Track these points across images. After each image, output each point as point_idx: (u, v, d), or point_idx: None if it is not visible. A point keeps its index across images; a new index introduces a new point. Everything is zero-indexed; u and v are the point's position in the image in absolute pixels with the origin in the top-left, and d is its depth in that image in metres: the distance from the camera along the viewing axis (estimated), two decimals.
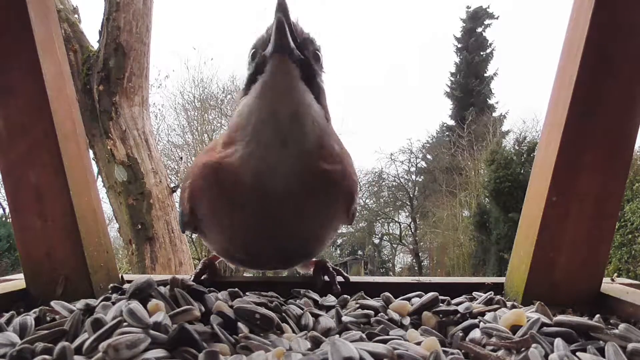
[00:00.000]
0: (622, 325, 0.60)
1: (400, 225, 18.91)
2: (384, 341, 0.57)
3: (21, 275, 0.87)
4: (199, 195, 0.83)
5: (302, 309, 0.72)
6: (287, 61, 0.70)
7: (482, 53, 19.45)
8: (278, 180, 0.75)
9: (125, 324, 0.55)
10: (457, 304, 0.74)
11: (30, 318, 0.62)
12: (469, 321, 0.66)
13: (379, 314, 0.71)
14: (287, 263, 0.96)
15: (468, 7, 19.56)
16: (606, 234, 0.80)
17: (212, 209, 0.84)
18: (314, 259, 1.01)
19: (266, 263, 0.95)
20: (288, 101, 0.72)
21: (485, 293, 0.81)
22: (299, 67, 0.72)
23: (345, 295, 0.80)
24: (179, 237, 3.85)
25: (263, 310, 0.64)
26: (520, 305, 0.75)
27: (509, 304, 0.76)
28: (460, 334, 0.62)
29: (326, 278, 0.91)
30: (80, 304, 0.66)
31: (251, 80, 0.75)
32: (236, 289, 0.78)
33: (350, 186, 0.85)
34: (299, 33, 0.75)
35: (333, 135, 0.82)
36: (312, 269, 0.99)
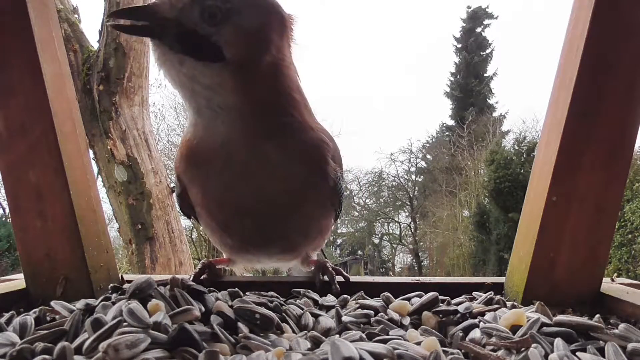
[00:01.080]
0: (622, 325, 0.60)
1: (400, 225, 18.92)
2: (384, 341, 0.57)
3: (21, 275, 0.87)
4: (180, 171, 0.89)
5: (302, 309, 0.72)
6: (157, 45, 0.77)
7: (481, 53, 19.45)
8: (225, 134, 0.80)
9: (125, 324, 0.55)
10: (457, 304, 0.74)
11: (30, 318, 0.62)
12: (469, 321, 0.66)
13: (379, 314, 0.71)
14: (273, 242, 0.94)
15: (468, 7, 19.58)
16: (606, 234, 0.80)
17: (189, 181, 0.89)
18: (314, 258, 1.01)
19: (252, 242, 0.93)
20: (176, 75, 0.78)
21: (485, 293, 0.81)
22: (168, 40, 0.76)
23: (345, 295, 0.80)
24: (179, 237, 3.85)
25: (263, 310, 0.64)
26: (520, 305, 0.75)
27: (509, 304, 0.76)
28: (460, 334, 0.62)
29: (325, 278, 0.91)
30: (80, 304, 0.66)
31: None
32: (236, 289, 0.78)
33: (316, 141, 0.85)
34: (166, 4, 0.75)
35: (280, 86, 0.81)
36: (311, 267, 0.99)
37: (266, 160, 0.80)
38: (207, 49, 0.76)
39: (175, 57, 0.76)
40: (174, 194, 0.99)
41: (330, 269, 0.92)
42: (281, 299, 0.79)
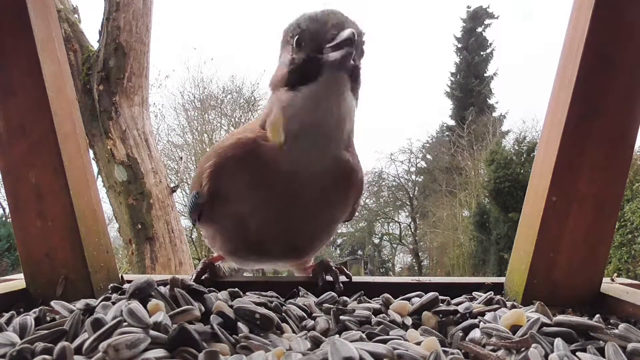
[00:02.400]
0: (622, 325, 0.60)
1: (400, 225, 18.91)
2: (384, 341, 0.57)
3: (21, 275, 0.87)
4: (229, 167, 0.83)
5: (302, 309, 0.72)
6: (342, 75, 0.74)
7: (482, 53, 19.43)
8: (313, 171, 0.80)
9: (125, 324, 0.55)
10: (457, 304, 0.74)
11: (30, 318, 0.62)
12: (469, 321, 0.66)
13: (379, 314, 0.71)
14: (289, 254, 0.96)
15: (468, 7, 19.57)
16: (606, 234, 0.80)
17: (237, 192, 0.84)
18: (312, 263, 1.01)
19: (269, 256, 0.95)
20: (337, 112, 0.77)
21: (485, 293, 0.81)
22: (349, 75, 0.75)
23: (345, 298, 0.80)
24: (179, 237, 3.85)
25: (263, 310, 0.64)
26: (520, 305, 0.75)
27: (509, 304, 0.76)
28: (460, 334, 0.62)
29: (329, 277, 0.91)
30: (80, 304, 0.66)
31: (297, 77, 0.76)
32: (236, 289, 0.78)
33: (361, 180, 0.90)
34: (356, 42, 0.72)
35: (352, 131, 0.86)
36: (309, 272, 1.00)
37: (331, 201, 0.85)
38: (357, 86, 0.79)
39: (349, 92, 0.77)
40: (194, 192, 0.93)
41: (334, 268, 0.92)
42: (281, 299, 0.79)
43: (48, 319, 0.66)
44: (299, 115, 0.77)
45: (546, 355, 0.53)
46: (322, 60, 0.72)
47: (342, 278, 0.91)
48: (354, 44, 0.69)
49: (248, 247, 0.92)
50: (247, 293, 0.78)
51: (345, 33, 0.69)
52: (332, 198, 0.85)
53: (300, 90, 0.75)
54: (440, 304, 0.73)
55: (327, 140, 0.79)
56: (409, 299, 0.76)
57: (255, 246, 0.91)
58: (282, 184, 0.81)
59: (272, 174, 0.80)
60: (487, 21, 19.48)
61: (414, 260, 18.32)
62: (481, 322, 0.65)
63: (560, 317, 0.63)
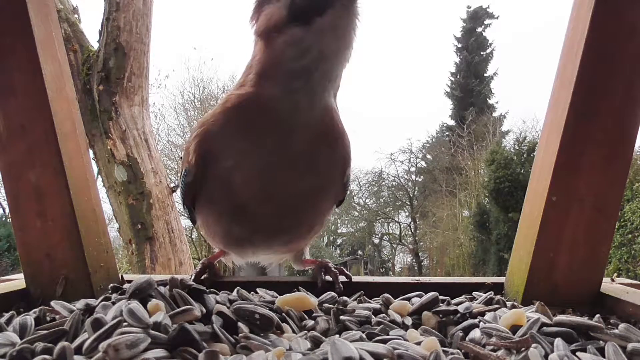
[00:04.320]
0: (622, 325, 0.60)
1: (400, 225, 18.92)
2: (384, 341, 0.57)
3: (21, 275, 0.87)
4: (221, 130, 0.82)
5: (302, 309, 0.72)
6: (358, 11, 0.76)
7: (482, 53, 19.44)
8: (306, 117, 0.79)
9: (125, 324, 0.55)
10: (457, 304, 0.74)
11: (30, 318, 0.62)
12: (469, 321, 0.66)
13: (379, 314, 0.71)
14: (280, 231, 0.93)
15: (468, 7, 19.57)
16: (606, 234, 0.80)
17: (228, 147, 0.83)
18: (308, 257, 1.00)
19: (261, 229, 0.91)
20: (346, 47, 0.78)
21: (485, 293, 0.81)
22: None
23: (345, 298, 0.80)
24: (179, 237, 3.85)
25: (263, 310, 0.64)
26: (520, 305, 0.75)
27: (509, 304, 0.76)
28: (460, 334, 0.62)
29: (328, 277, 0.91)
30: (80, 304, 0.66)
31: (302, 11, 0.76)
32: (237, 288, 0.78)
33: (347, 146, 0.88)
34: None
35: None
36: (306, 266, 0.99)
37: (317, 155, 0.83)
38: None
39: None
40: (184, 172, 0.91)
41: (333, 268, 0.92)
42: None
43: (48, 319, 0.66)
44: (308, 49, 0.76)
45: (546, 355, 0.53)
46: None
47: (342, 278, 0.91)
48: None
49: (239, 223, 0.89)
50: (251, 292, 0.78)
51: None
52: (321, 153, 0.83)
53: (315, 22, 0.75)
54: (440, 304, 0.73)
55: (326, 80, 0.79)
56: (409, 299, 0.76)
57: (246, 221, 0.88)
58: (274, 131, 0.79)
59: (265, 121, 0.80)
60: (487, 21, 19.49)
61: (414, 260, 18.32)
62: (481, 322, 0.65)
63: (560, 317, 0.63)
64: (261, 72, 0.80)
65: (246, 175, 0.83)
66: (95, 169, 3.79)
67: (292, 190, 0.84)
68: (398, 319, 0.69)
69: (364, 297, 0.81)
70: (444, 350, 0.53)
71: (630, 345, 0.55)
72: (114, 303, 0.64)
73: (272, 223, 0.89)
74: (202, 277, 0.92)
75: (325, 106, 0.81)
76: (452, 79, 19.87)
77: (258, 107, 0.79)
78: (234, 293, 0.77)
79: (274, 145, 0.80)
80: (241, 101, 0.81)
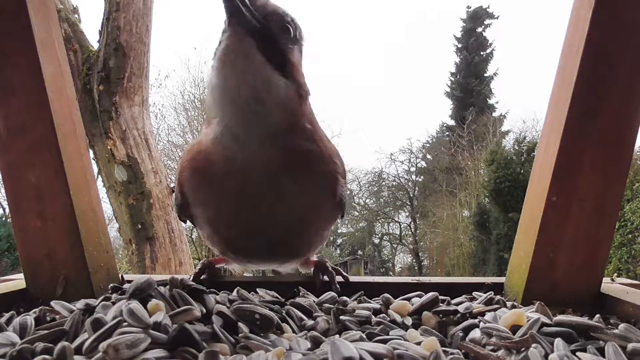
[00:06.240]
0: (622, 325, 0.60)
1: (400, 225, 18.92)
2: (384, 341, 0.57)
3: (21, 275, 0.87)
4: (186, 185, 0.84)
5: (302, 309, 0.72)
6: (243, 36, 0.68)
7: (482, 53, 19.43)
8: (248, 159, 0.74)
9: (125, 324, 0.55)
10: (457, 304, 0.74)
11: (30, 318, 0.62)
12: (469, 321, 0.66)
13: (379, 314, 0.71)
14: (277, 256, 0.93)
15: (468, 7, 19.56)
16: (606, 234, 0.80)
17: (197, 198, 0.84)
18: (314, 259, 1.01)
19: (257, 256, 0.93)
20: (242, 74, 0.69)
21: (485, 293, 0.81)
22: (256, 37, 0.69)
23: (344, 298, 0.80)
24: (179, 237, 3.85)
25: (263, 310, 0.64)
26: (520, 305, 0.75)
27: (509, 304, 0.76)
28: (460, 334, 0.62)
29: (325, 278, 0.91)
30: (80, 304, 0.66)
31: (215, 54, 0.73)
32: (237, 288, 0.78)
33: (331, 168, 0.83)
34: (259, 6, 0.71)
35: (307, 115, 0.79)
36: (312, 269, 0.99)
37: (287, 191, 0.78)
38: (283, 63, 0.73)
39: (259, 56, 0.70)
40: (174, 197, 0.94)
41: (330, 269, 0.92)
42: (281, 299, 0.79)
43: (48, 319, 0.66)
44: (212, 88, 0.73)
45: (546, 355, 0.53)
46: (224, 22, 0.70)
47: (339, 279, 0.91)
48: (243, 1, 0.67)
49: (234, 252, 0.90)
50: (251, 293, 0.78)
51: None
52: (291, 191, 0.79)
53: (214, 55, 0.73)
54: (440, 304, 0.73)
55: (245, 113, 0.71)
56: (409, 299, 0.76)
57: (237, 250, 0.89)
58: (228, 185, 0.77)
59: (216, 177, 0.78)
60: (487, 21, 19.49)
61: (414, 260, 18.33)
62: (481, 322, 0.65)
63: (560, 317, 0.63)
64: (206, 120, 0.80)
65: (224, 219, 0.84)
66: (95, 169, 3.79)
67: (275, 225, 0.82)
68: (398, 319, 0.69)
69: (364, 297, 0.81)
70: (444, 350, 0.53)
71: (630, 345, 0.55)
72: (114, 303, 0.64)
73: (265, 250, 0.89)
74: (202, 277, 0.92)
75: (274, 136, 0.75)
76: (452, 79, 19.87)
77: (212, 161, 0.77)
78: (234, 293, 0.77)
79: (239, 192, 0.78)
80: (199, 155, 0.80)
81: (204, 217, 0.86)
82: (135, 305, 0.58)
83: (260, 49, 0.70)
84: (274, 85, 0.71)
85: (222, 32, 0.73)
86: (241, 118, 0.72)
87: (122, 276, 0.92)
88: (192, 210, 0.87)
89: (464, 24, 19.68)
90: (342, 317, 0.68)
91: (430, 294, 0.74)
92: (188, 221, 0.94)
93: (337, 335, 0.61)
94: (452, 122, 19.44)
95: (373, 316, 0.70)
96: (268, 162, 0.75)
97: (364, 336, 0.60)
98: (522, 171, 11.96)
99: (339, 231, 18.98)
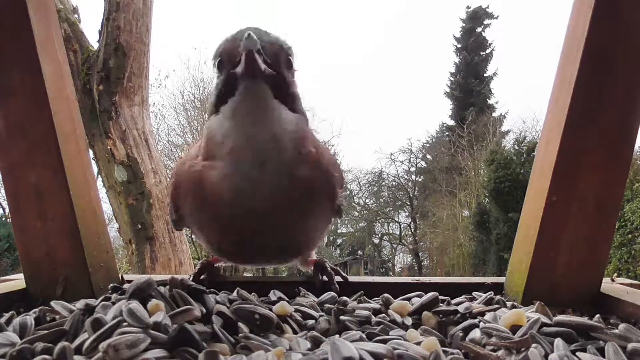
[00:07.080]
0: (622, 325, 0.60)
1: (400, 225, 18.93)
2: (384, 341, 0.57)
3: (21, 275, 0.87)
4: (183, 199, 0.83)
5: (302, 309, 0.72)
6: (259, 85, 0.69)
7: (481, 53, 19.44)
8: (259, 198, 0.75)
9: (125, 324, 0.55)
10: (457, 304, 0.74)
11: (30, 318, 0.62)
12: (469, 321, 0.66)
13: (379, 314, 0.71)
14: (275, 261, 0.97)
15: (468, 7, 19.56)
16: (606, 234, 0.80)
17: (193, 215, 0.84)
18: (314, 258, 1.01)
19: (254, 261, 0.96)
20: (262, 124, 0.72)
21: (485, 293, 0.81)
22: (271, 85, 0.70)
23: (345, 298, 0.80)
24: (179, 237, 3.85)
25: (263, 310, 0.64)
26: (520, 305, 0.75)
27: (509, 304, 0.76)
28: (460, 334, 0.62)
29: (324, 278, 0.91)
30: (80, 304, 0.66)
31: (221, 98, 0.73)
32: (236, 289, 0.78)
33: (332, 185, 0.84)
34: (269, 50, 0.71)
35: (309, 138, 0.80)
36: (311, 267, 0.99)
37: (292, 219, 0.79)
38: (292, 99, 0.75)
39: (274, 100, 0.71)
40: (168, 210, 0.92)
41: (329, 269, 0.93)
42: (285, 298, 0.79)
43: (48, 319, 0.66)
44: (226, 135, 0.73)
45: (546, 355, 0.53)
46: (236, 75, 0.69)
47: (338, 279, 0.91)
48: (259, 51, 0.67)
49: (230, 257, 0.91)
50: (252, 294, 0.78)
51: (245, 43, 0.66)
52: (296, 220, 0.80)
53: (221, 110, 0.73)
54: (440, 304, 0.73)
55: (261, 158, 0.73)
56: (409, 299, 0.76)
57: (235, 254, 0.89)
58: (232, 217, 0.77)
59: (221, 209, 0.77)
60: (486, 21, 19.50)
61: (414, 260, 18.34)
62: (481, 322, 0.65)
63: (560, 317, 0.63)
64: (205, 153, 0.78)
65: (225, 240, 0.84)
66: (95, 169, 3.79)
67: (274, 243, 0.83)
68: (398, 319, 0.69)
69: (364, 297, 0.81)
70: (444, 350, 0.53)
71: (630, 345, 0.55)
72: (114, 303, 0.64)
73: (261, 255, 0.89)
74: (201, 277, 0.92)
75: (286, 174, 0.75)
76: (452, 79, 19.87)
77: (214, 187, 0.76)
78: (234, 293, 0.77)
79: (243, 222, 0.78)
80: (197, 175, 0.78)
81: (202, 235, 0.87)
82: (135, 305, 0.58)
83: (273, 92, 0.71)
84: (288, 123, 0.73)
85: (224, 72, 0.73)
86: (254, 154, 0.73)
87: (122, 276, 0.92)
88: (188, 223, 0.88)
89: (464, 24, 19.68)
90: (342, 317, 0.68)
91: (430, 294, 0.74)
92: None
93: (337, 335, 0.61)
94: (452, 122, 19.44)
95: (373, 316, 0.70)
96: (274, 192, 0.75)
97: (364, 336, 0.60)
98: (522, 171, 11.95)
99: (339, 231, 18.98)
